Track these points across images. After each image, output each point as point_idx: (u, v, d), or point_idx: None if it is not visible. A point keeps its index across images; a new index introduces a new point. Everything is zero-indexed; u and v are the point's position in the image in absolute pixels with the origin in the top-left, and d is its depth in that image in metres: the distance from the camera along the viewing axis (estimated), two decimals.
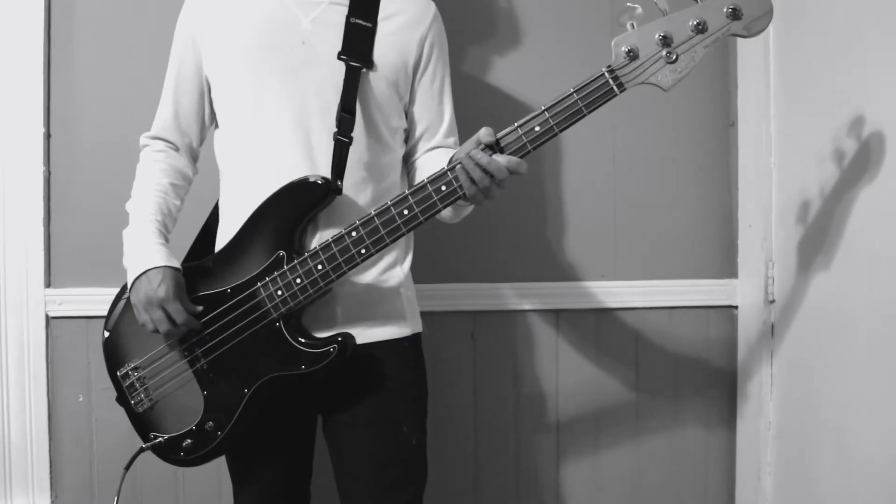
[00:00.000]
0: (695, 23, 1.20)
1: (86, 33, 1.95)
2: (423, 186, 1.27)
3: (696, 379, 2.11)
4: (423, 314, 1.52)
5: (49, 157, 1.95)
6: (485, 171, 1.23)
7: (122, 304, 1.45)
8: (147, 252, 1.36)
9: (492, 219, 1.99)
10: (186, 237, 1.51)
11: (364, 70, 1.37)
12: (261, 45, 1.38)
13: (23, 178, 1.93)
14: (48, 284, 1.95)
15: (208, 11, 1.43)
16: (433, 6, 1.48)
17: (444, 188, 1.26)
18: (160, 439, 1.41)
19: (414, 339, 1.48)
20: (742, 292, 2.08)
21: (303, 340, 1.33)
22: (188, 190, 1.52)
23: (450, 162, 1.27)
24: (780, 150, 1.91)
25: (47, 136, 1.94)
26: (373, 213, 1.29)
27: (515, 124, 1.24)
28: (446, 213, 1.37)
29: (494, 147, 1.24)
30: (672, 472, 2.11)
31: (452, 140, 1.52)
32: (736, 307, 2.10)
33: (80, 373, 1.96)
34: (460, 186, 1.25)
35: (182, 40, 1.46)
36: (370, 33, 1.38)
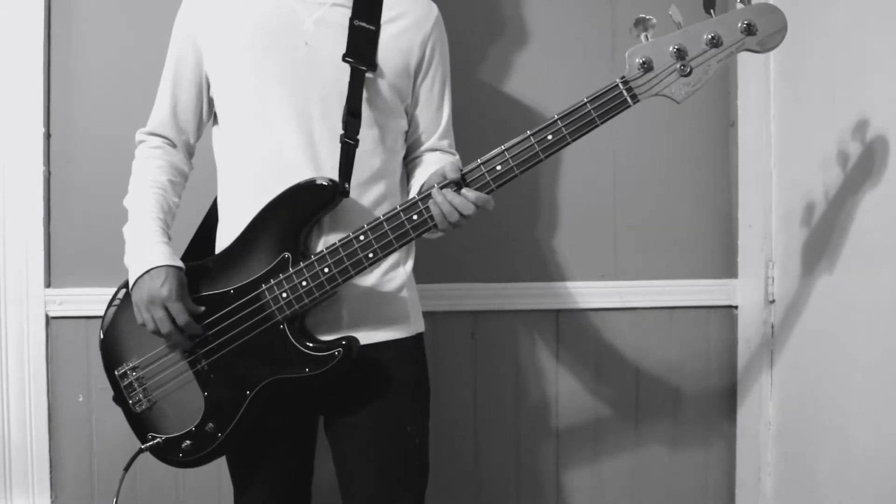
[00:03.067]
0: (709, 37, 1.19)
1: (86, 33, 1.94)
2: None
3: (696, 378, 2.11)
4: (424, 314, 1.52)
5: (49, 157, 1.94)
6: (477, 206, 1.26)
7: (118, 301, 1.44)
8: (150, 250, 1.36)
9: (491, 219, 1.95)
10: (180, 233, 1.49)
11: (368, 72, 1.37)
12: (263, 43, 1.37)
13: (23, 178, 1.93)
14: (48, 284, 1.95)
15: (209, 9, 1.41)
16: (435, 8, 1.48)
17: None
18: (158, 440, 1.41)
19: (417, 339, 1.48)
20: (742, 292, 2.08)
21: (307, 344, 1.33)
22: (185, 186, 1.51)
23: (425, 193, 1.28)
24: (780, 150, 1.92)
25: (47, 136, 1.94)
26: (382, 217, 1.29)
27: (528, 133, 1.24)
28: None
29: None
30: (672, 472, 2.12)
31: (447, 143, 1.52)
32: (736, 307, 2.10)
33: (80, 373, 1.95)
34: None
35: (181, 37, 1.45)
36: (374, 36, 1.38)
